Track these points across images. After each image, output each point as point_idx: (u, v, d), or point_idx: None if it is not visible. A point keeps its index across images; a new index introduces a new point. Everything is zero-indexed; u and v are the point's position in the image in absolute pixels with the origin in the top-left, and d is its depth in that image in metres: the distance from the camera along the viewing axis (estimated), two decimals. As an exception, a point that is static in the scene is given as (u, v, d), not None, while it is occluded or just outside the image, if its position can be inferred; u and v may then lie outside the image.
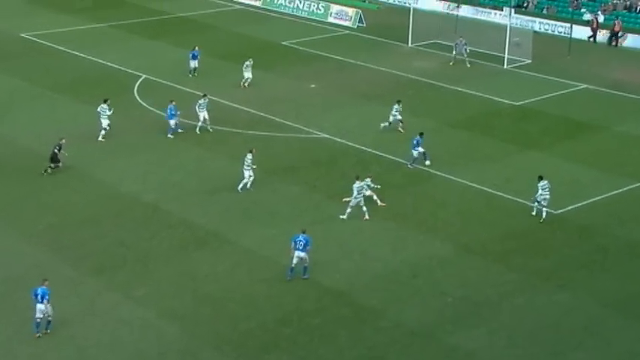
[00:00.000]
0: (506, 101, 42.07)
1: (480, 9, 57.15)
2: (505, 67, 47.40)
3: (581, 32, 52.92)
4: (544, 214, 30.27)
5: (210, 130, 37.56)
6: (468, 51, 47.07)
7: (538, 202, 30.32)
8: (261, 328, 24.59)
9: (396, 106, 37.64)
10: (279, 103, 41.37)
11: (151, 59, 48.90)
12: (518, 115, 40.92)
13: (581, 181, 33.66)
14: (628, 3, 54.09)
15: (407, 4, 58.22)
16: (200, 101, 37.78)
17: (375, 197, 30.94)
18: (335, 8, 58.05)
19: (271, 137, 37.97)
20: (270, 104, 41.42)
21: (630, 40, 51.66)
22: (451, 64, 47.11)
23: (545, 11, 56.17)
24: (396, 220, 30.56)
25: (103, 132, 36.37)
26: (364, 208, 30.21)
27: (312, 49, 50.46)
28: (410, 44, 51.35)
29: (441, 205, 31.67)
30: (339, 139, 37.57)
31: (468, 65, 47.18)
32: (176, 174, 34.24)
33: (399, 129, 37.57)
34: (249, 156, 32.21)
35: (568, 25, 52.49)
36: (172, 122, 37.11)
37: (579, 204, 31.61)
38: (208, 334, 24.33)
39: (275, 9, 60.60)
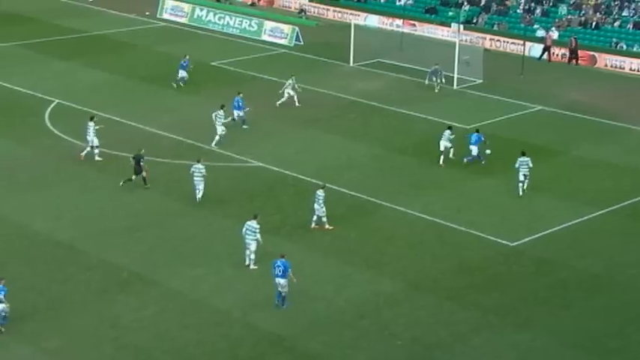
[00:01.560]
0: (456, 124, 42.65)
1: (427, 26, 58.14)
2: (454, 87, 48.21)
3: (536, 50, 54.20)
4: (520, 190, 34.40)
5: (216, 147, 39.10)
6: (442, 80, 47.29)
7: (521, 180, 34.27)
8: (191, 379, 24.28)
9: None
10: (208, 129, 41.22)
11: (63, 82, 48.40)
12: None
13: (538, 210, 34.26)
14: (583, 19, 55.65)
15: (348, 21, 58.90)
16: (219, 112, 39.45)
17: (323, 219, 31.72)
18: (269, 25, 58.40)
19: (201, 167, 37.75)
20: (198, 130, 41.27)
21: (581, 58, 53.03)
22: (436, 91, 47.26)
23: (496, 27, 57.43)
24: (339, 255, 30.62)
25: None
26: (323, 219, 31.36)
27: (244, 69, 50.59)
28: (352, 63, 51.87)
29: (388, 238, 31.85)
30: (275, 168, 37.60)
31: (437, 90, 47.42)
32: (94, 209, 33.79)
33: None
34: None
35: (521, 42, 53.72)
36: (236, 113, 40.81)
37: (537, 235, 32.13)
38: (132, 387, 23.91)
39: (203, 26, 60.68)
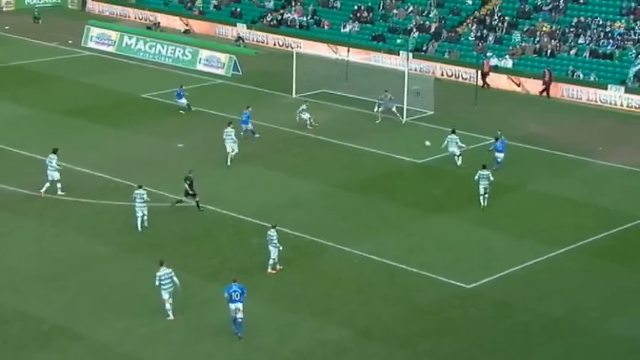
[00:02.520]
0: (406, 159, 42.93)
1: (373, 54, 58.64)
2: (404, 119, 48.57)
3: (490, 79, 54.95)
4: (481, 203, 37.16)
5: (229, 163, 41.82)
6: (394, 108, 47.81)
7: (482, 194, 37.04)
8: None
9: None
10: (139, 167, 40.83)
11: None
12: (421, 174, 41.81)
13: (495, 249, 34.47)
14: (537, 46, 56.68)
15: (289, 49, 59.14)
16: (227, 129, 41.99)
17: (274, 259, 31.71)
18: (205, 54, 58.37)
19: (130, 207, 37.28)
20: (128, 168, 40.85)
21: (537, 87, 53.91)
22: (377, 121, 47.76)
23: (447, 55, 58.17)
24: (283, 301, 30.37)
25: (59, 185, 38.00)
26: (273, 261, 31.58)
27: (173, 100, 50.26)
28: (294, 94, 52.00)
29: (335, 281, 31.71)
30: (212, 208, 37.32)
31: (401, 121, 47.89)
32: (12, 256, 33.11)
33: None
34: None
35: (473, 71, 54.44)
36: (244, 127, 44.49)
37: (494, 276, 32.28)
38: None
39: (133, 55, 60.41)
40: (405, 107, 48.48)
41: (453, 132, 41.56)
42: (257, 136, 44.90)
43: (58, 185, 38.03)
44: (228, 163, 41.59)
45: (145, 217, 34.89)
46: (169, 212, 36.76)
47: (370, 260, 33.24)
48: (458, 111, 50.30)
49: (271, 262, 31.88)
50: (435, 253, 33.80)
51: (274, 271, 31.86)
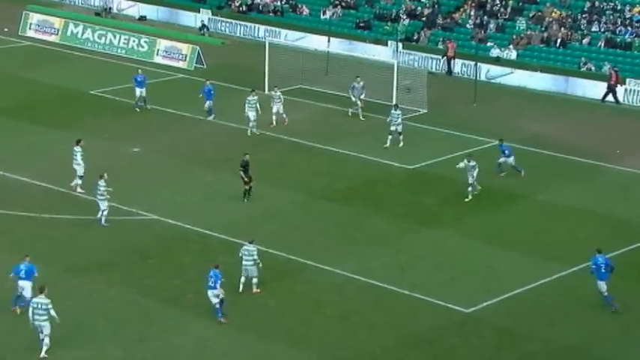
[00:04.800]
0: (396, 164, 43.09)
1: (358, 43, 58.83)
2: (360, 114, 48.74)
3: (494, 72, 55.25)
4: (470, 195, 39.03)
5: (257, 132, 45.57)
6: (362, 97, 48.36)
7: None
8: None
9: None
10: (87, 175, 40.71)
11: None
12: (413, 181, 41.97)
13: (498, 268, 34.65)
14: (545, 35, 57.06)
15: (261, 39, 59.24)
16: (250, 97, 45.16)
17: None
18: (163, 44, 58.40)
19: (78, 222, 37.25)
20: (74, 176, 40.75)
21: (545, 81, 54.28)
22: (349, 114, 48.14)
23: (441, 45, 58.42)
24: (255, 329, 30.41)
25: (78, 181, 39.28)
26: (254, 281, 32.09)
27: (132, 99, 50.28)
28: (267, 91, 52.07)
29: (315, 306, 31.79)
30: (173, 222, 37.33)
31: (362, 118, 48.16)
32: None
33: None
34: (102, 182, 36.42)
35: (472, 63, 54.72)
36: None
37: (496, 299, 32.43)
38: None
39: (79, 46, 60.37)
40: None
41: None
42: (210, 118, 47.34)
43: (79, 182, 39.14)
44: (249, 134, 44.97)
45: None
46: (124, 227, 36.69)
47: (355, 281, 33.32)
48: (455, 109, 50.55)
49: (243, 279, 32.02)
50: (428, 273, 33.92)
51: (259, 290, 32.05)
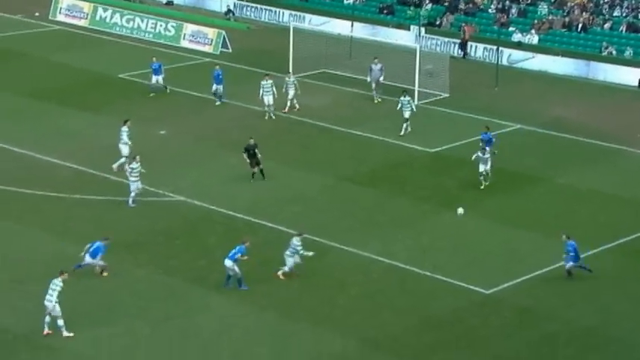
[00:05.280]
0: (418, 147, 43.04)
1: (381, 28, 58.67)
2: (416, 103, 48.65)
3: (515, 56, 55.02)
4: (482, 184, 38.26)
5: (273, 117, 45.55)
6: (380, 80, 48.24)
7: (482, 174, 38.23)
8: None
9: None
10: (114, 156, 40.90)
11: None
12: (435, 165, 41.91)
13: (518, 250, 34.59)
14: (567, 19, 56.72)
15: (285, 23, 59.16)
16: (264, 82, 45.12)
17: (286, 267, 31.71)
18: (190, 29, 58.44)
19: (107, 202, 37.46)
20: (103, 158, 40.94)
21: (566, 66, 54.00)
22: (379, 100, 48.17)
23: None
24: (279, 309, 30.48)
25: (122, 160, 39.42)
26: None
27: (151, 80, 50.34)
28: (291, 75, 52.06)
29: (339, 287, 31.84)
30: (198, 203, 37.45)
31: (376, 101, 48.17)
32: (-29, 256, 33.27)
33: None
34: (134, 164, 36.54)
35: (494, 47, 54.52)
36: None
37: (517, 280, 32.41)
38: None
39: (108, 30, 60.49)
40: (416, 89, 48.57)
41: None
42: (218, 103, 47.17)
43: (122, 160, 39.20)
44: (266, 118, 45.27)
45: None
46: (150, 208, 36.85)
47: (378, 262, 33.36)
48: (477, 93, 50.43)
49: (287, 269, 31.78)
50: (450, 255, 33.92)
51: (283, 277, 31.87)
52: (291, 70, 49.42)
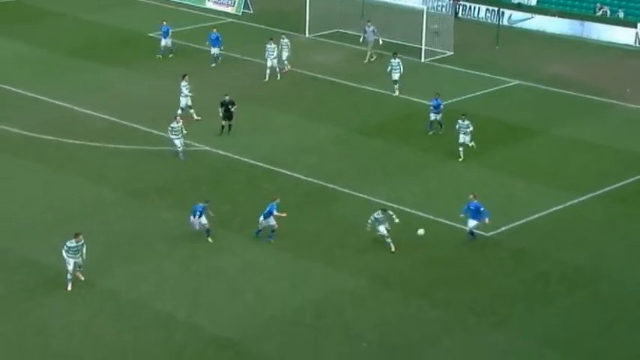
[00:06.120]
0: (424, 102, 43.00)
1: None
2: (422, 60, 48.54)
3: (515, 17, 54.62)
4: (461, 154, 36.54)
5: (279, 77, 44.96)
6: (378, 41, 47.84)
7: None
8: (130, 390, 24.34)
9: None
10: (146, 109, 41.06)
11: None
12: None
13: (516, 196, 34.71)
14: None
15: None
16: (269, 45, 44.71)
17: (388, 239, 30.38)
18: (214, -10, 58.19)
19: (137, 151, 37.65)
20: (134, 110, 41.11)
21: (562, 26, 53.64)
22: (372, 59, 47.72)
23: (467, -7, 57.72)
24: (295, 249, 30.73)
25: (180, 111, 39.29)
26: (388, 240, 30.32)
27: (185, 41, 50.37)
28: (307, 34, 51.92)
29: (350, 229, 32.04)
30: (222, 152, 37.60)
31: (372, 59, 47.79)
32: (15, 201, 33.57)
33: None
34: (174, 124, 36.15)
35: (495, 8, 54.19)
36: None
37: (514, 223, 32.56)
38: (63, 400, 23.88)
39: (139, -8, 60.23)
40: (423, 48, 48.42)
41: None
42: (213, 65, 46.43)
43: (191, 111, 39.52)
44: (266, 79, 44.33)
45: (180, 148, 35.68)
46: (176, 156, 36.99)
47: (387, 207, 33.48)
48: (479, 51, 50.20)
49: (389, 240, 30.43)
50: (453, 200, 34.02)
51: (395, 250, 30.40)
52: (307, 30, 49.10)
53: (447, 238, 31.54)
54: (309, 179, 35.24)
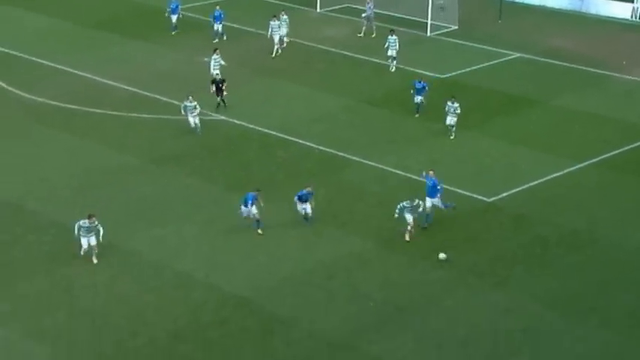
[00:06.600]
0: (430, 74, 43.00)
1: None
2: (428, 34, 48.45)
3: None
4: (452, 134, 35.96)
5: (279, 51, 44.78)
6: (371, 17, 47.69)
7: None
8: (151, 344, 24.63)
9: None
10: (165, 80, 41.20)
11: (4, 29, 47.99)
12: (444, 89, 41.85)
13: (516, 163, 34.80)
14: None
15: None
16: (273, 22, 44.52)
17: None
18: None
19: (157, 120, 37.85)
20: (154, 81, 41.25)
21: (565, 1, 53.42)
22: (367, 34, 47.64)
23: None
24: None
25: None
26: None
27: (202, 15, 50.34)
28: (319, 9, 51.82)
29: (358, 195, 32.22)
30: (237, 121, 37.74)
31: (360, 34, 47.48)
32: (43, 167, 33.83)
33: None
34: (187, 102, 35.79)
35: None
36: (216, 27, 46.45)
37: (515, 190, 32.69)
38: (87, 354, 24.22)
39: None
40: (429, 22, 48.33)
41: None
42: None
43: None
44: (273, 55, 43.97)
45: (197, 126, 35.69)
46: (196, 132, 37.16)
47: (393, 174, 33.66)
48: (482, 25, 50.07)
49: (409, 228, 29.37)
50: (457, 168, 34.18)
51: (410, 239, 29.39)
52: (318, 5, 48.86)
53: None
54: (320, 147, 35.38)
